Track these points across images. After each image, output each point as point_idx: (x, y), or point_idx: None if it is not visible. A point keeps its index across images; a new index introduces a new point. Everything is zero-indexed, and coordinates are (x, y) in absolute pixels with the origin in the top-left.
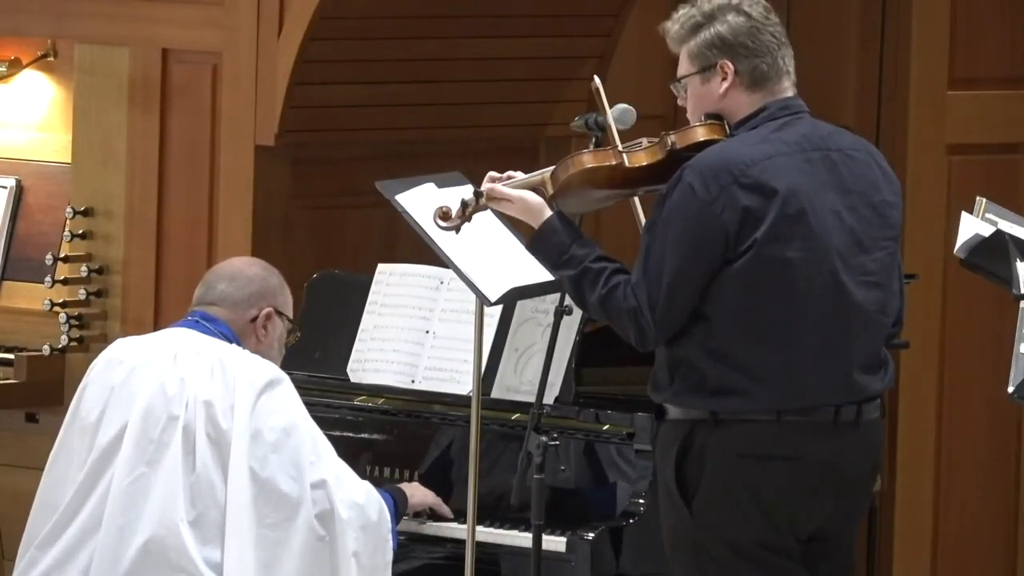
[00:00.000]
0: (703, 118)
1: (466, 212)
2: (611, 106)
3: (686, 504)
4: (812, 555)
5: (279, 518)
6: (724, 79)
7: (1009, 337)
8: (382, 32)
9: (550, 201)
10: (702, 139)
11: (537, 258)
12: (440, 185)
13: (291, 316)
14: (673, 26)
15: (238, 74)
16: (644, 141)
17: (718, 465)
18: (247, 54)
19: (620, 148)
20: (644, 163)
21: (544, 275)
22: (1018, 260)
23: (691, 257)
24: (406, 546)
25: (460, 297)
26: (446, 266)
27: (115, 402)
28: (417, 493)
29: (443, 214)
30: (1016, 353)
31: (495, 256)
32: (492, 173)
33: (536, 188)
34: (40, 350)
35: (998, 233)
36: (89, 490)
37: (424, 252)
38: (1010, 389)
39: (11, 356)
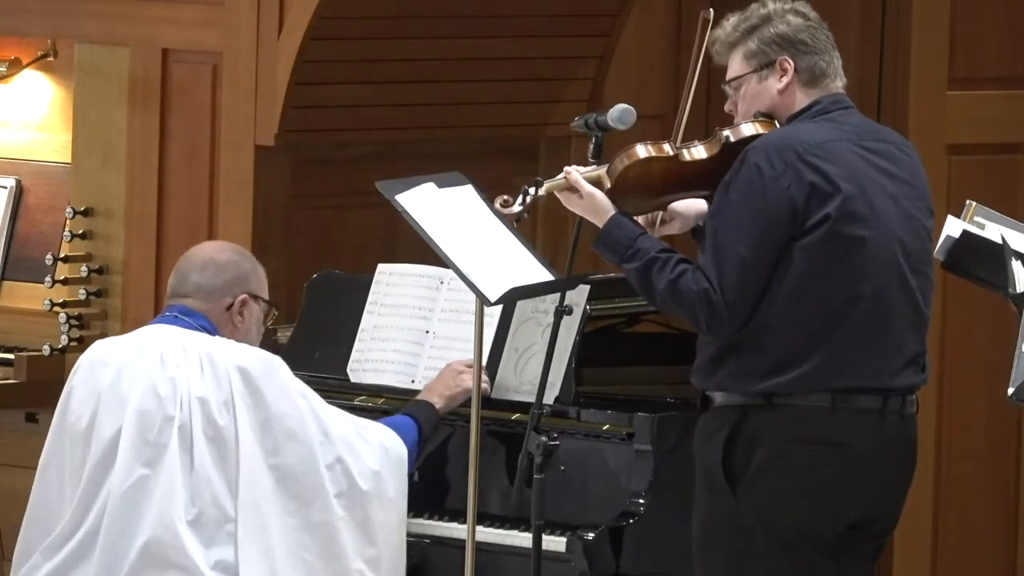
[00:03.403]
0: (754, 117)
1: (526, 199)
2: (611, 107)
3: (732, 490)
4: (845, 545)
5: (298, 504)
6: (783, 75)
7: (1009, 337)
8: (382, 32)
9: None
10: (755, 134)
11: (603, 253)
12: (440, 185)
13: (267, 297)
14: (724, 31)
15: (238, 74)
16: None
17: (769, 450)
18: (247, 54)
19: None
20: (700, 157)
21: (544, 275)
22: (1014, 259)
23: (759, 234)
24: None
25: (460, 297)
26: (446, 266)
27: (106, 406)
28: (437, 399)
29: (504, 202)
30: (1017, 353)
31: (495, 256)
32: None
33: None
34: (40, 350)
35: (966, 235)
36: (92, 496)
37: (424, 252)
38: (1010, 391)
39: (11, 356)
